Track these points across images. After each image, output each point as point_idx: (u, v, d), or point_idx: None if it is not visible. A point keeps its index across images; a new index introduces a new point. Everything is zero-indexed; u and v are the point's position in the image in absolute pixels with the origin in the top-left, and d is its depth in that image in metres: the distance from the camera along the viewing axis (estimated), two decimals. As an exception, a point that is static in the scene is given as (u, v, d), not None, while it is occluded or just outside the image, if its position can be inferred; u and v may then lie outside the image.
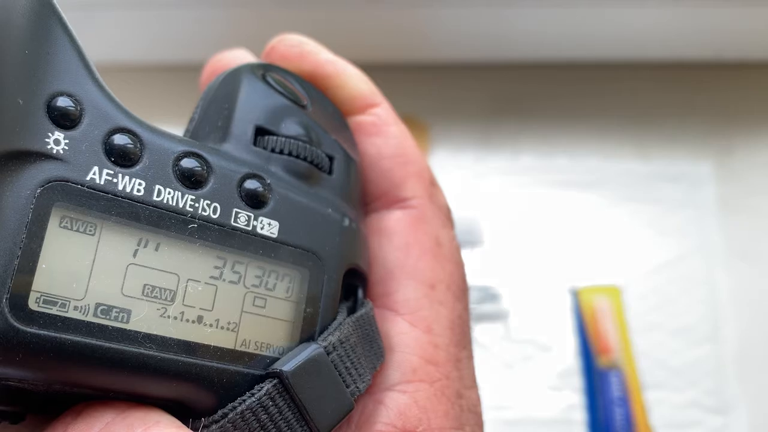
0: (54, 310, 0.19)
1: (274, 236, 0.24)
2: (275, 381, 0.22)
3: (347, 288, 0.27)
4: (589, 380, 0.71)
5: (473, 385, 0.28)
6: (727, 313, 0.73)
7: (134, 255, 0.21)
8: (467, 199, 0.78)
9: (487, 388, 0.69)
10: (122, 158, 0.21)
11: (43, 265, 0.19)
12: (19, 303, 0.19)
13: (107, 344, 0.20)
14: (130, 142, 0.21)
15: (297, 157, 0.25)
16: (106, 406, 0.21)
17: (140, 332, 0.21)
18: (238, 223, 0.23)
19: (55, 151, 0.20)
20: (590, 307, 0.73)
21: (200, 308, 0.22)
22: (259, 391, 0.22)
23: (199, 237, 0.22)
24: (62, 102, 0.20)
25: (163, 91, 0.82)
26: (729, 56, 0.82)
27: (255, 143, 0.25)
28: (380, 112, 0.30)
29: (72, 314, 0.20)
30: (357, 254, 0.27)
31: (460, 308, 0.29)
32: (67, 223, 0.20)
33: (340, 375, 0.24)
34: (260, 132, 0.26)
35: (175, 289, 0.22)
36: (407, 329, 0.27)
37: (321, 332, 0.25)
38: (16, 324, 0.19)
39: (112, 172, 0.21)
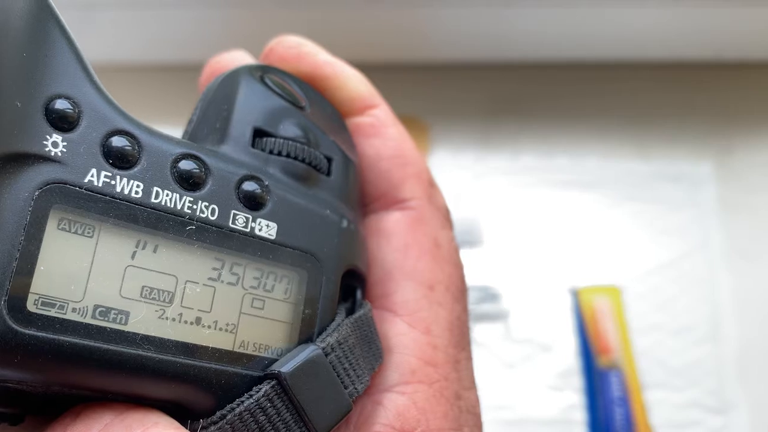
0: (52, 312, 0.20)
1: (273, 238, 0.24)
2: (273, 382, 0.23)
3: (346, 289, 0.27)
4: (590, 380, 0.71)
5: (472, 386, 0.28)
6: (728, 313, 0.73)
7: (132, 257, 0.21)
8: (467, 199, 0.78)
9: (487, 388, 0.69)
10: (120, 160, 0.21)
11: (41, 267, 0.19)
12: (17, 305, 0.19)
13: (105, 346, 0.20)
14: (128, 144, 0.22)
15: (295, 158, 0.25)
16: (104, 407, 0.21)
17: (138, 334, 0.21)
18: (236, 225, 0.23)
19: (53, 154, 0.20)
20: (590, 307, 0.73)
21: (198, 310, 0.22)
22: (258, 392, 0.22)
23: (197, 239, 0.22)
24: (60, 104, 0.20)
25: (161, 92, 0.82)
26: (729, 56, 0.82)
27: (253, 145, 0.25)
28: (379, 113, 0.30)
29: (70, 316, 0.20)
30: (355, 255, 0.27)
31: (459, 309, 0.29)
32: (65, 225, 0.20)
33: (338, 376, 0.24)
34: (258, 134, 0.26)
35: (173, 290, 0.22)
36: (406, 330, 0.27)
37: (319, 333, 0.25)
38: (14, 326, 0.19)
39: (110, 174, 0.21)
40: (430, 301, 0.28)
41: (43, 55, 0.21)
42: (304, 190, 0.25)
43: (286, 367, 0.23)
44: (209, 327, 0.22)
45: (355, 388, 0.24)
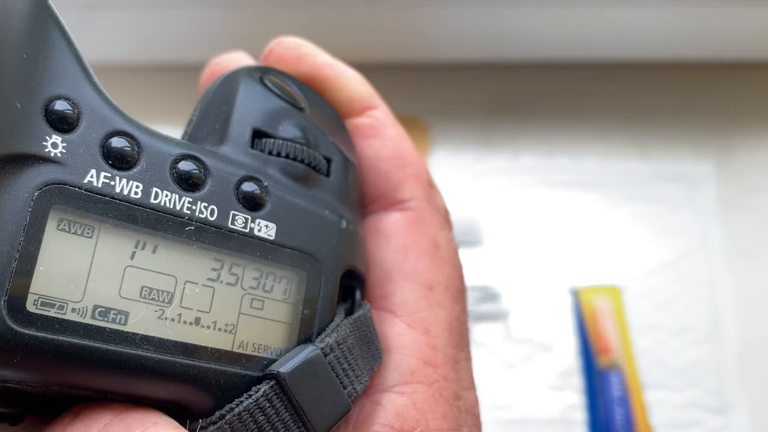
0: (52, 312, 0.20)
1: (272, 238, 0.24)
2: (272, 382, 0.23)
3: (345, 290, 0.27)
4: (590, 380, 0.71)
5: (471, 386, 0.28)
6: (728, 313, 0.73)
7: (132, 257, 0.21)
8: (467, 199, 0.78)
9: (488, 388, 0.69)
10: (120, 161, 0.21)
11: (41, 268, 0.19)
12: (17, 305, 0.19)
13: (105, 346, 0.20)
14: (128, 145, 0.22)
15: (294, 159, 0.26)
16: (104, 407, 0.21)
17: (138, 334, 0.21)
18: (235, 226, 0.23)
19: (52, 155, 0.20)
20: (590, 307, 0.73)
21: (198, 310, 0.22)
22: (257, 392, 0.22)
23: (196, 239, 0.22)
24: (60, 105, 0.21)
25: (161, 92, 0.82)
26: (729, 56, 0.82)
27: (252, 146, 0.25)
28: (378, 114, 0.30)
29: (70, 316, 0.20)
30: (354, 256, 0.27)
31: (458, 310, 0.29)
32: (64, 225, 0.20)
33: (337, 376, 0.24)
34: (258, 134, 0.26)
35: (172, 291, 0.22)
36: (405, 331, 0.27)
37: (318, 334, 0.25)
38: (14, 326, 0.19)
39: (109, 174, 0.21)
40: (429, 302, 0.28)
41: (42, 56, 0.21)
42: (304, 190, 0.25)
43: (285, 367, 0.23)
44: (208, 327, 0.22)
45: (354, 389, 0.24)
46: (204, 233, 0.23)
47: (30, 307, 0.19)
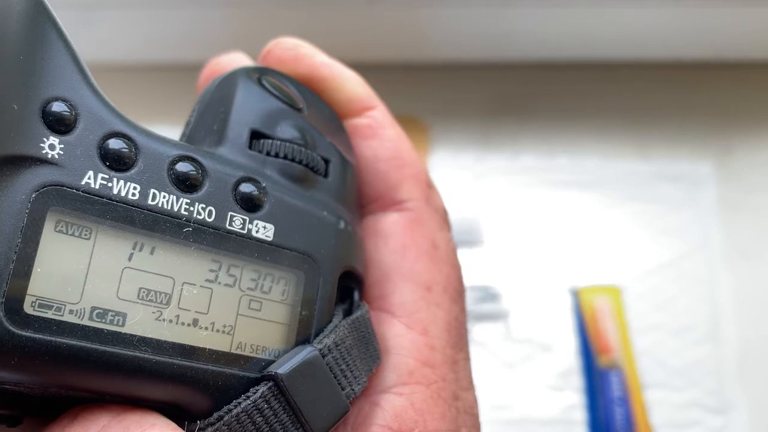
0: (49, 314, 0.20)
1: (270, 239, 0.24)
2: (270, 383, 0.23)
3: (343, 290, 0.27)
4: (590, 380, 0.71)
5: (470, 386, 0.28)
6: (728, 313, 0.73)
7: (129, 259, 0.21)
8: (467, 199, 0.78)
9: (488, 388, 0.70)
10: (117, 162, 0.21)
11: (38, 269, 0.19)
12: (14, 307, 0.19)
13: (103, 348, 0.20)
14: (125, 146, 0.22)
15: (292, 160, 0.25)
16: (102, 409, 0.21)
17: (135, 335, 0.21)
18: (233, 227, 0.23)
19: (50, 156, 0.20)
20: (590, 306, 0.73)
21: (196, 311, 0.22)
22: (255, 393, 0.22)
23: (194, 240, 0.22)
24: (57, 107, 0.21)
25: (160, 92, 0.82)
26: (729, 56, 0.82)
27: (250, 147, 0.25)
28: (376, 114, 0.30)
29: (67, 318, 0.20)
30: (353, 257, 0.27)
31: (457, 310, 0.29)
32: (62, 227, 0.20)
33: (335, 377, 0.24)
34: (255, 135, 0.26)
35: (170, 292, 0.22)
36: (403, 331, 0.27)
37: (316, 335, 0.25)
38: (11, 328, 0.19)
39: (107, 176, 0.21)
40: (427, 303, 0.28)
41: (39, 58, 0.21)
42: (302, 191, 0.25)
43: (283, 368, 0.23)
44: (206, 328, 0.22)
45: (353, 390, 0.24)
46: (202, 234, 0.22)
47: (27, 308, 0.19)
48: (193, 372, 0.22)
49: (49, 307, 0.20)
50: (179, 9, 0.74)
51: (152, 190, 0.22)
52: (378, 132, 0.30)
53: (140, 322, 0.21)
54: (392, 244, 0.28)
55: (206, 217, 0.23)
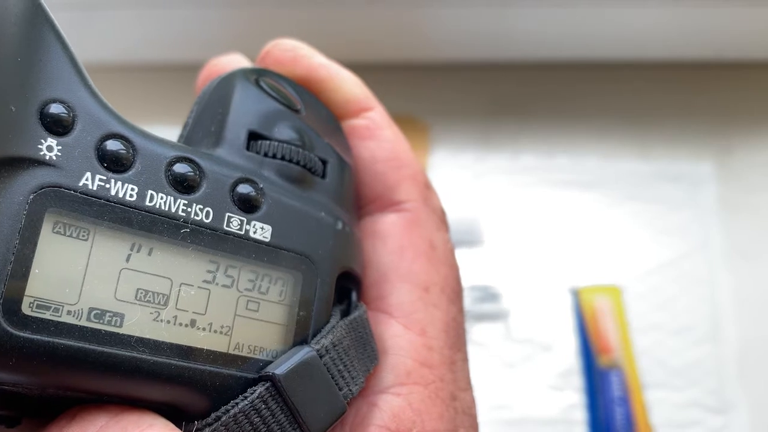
0: (47, 315, 0.20)
1: (267, 240, 0.24)
2: (268, 384, 0.23)
3: (341, 291, 0.27)
4: (590, 380, 0.71)
5: (468, 387, 0.28)
6: (728, 313, 0.73)
7: (127, 260, 0.21)
8: (467, 199, 0.78)
9: (488, 388, 0.70)
10: (115, 164, 0.21)
11: (36, 270, 0.20)
12: (12, 308, 0.19)
13: (100, 348, 0.20)
14: (123, 147, 0.22)
15: (290, 161, 0.26)
16: (100, 409, 0.21)
17: (133, 336, 0.21)
18: (230, 228, 0.23)
19: (48, 158, 0.20)
20: (591, 306, 0.73)
21: (193, 312, 0.22)
22: (252, 394, 0.22)
23: (191, 241, 0.22)
24: (55, 109, 0.21)
25: (159, 92, 0.82)
26: (729, 56, 0.82)
27: (248, 148, 0.25)
28: (374, 115, 0.30)
29: (65, 319, 0.20)
30: (350, 257, 0.27)
31: (455, 311, 0.29)
32: (60, 228, 0.20)
33: (332, 378, 0.24)
34: (253, 136, 0.26)
35: (168, 293, 0.22)
36: (401, 332, 0.27)
37: (314, 335, 0.25)
38: (9, 329, 0.19)
39: (104, 177, 0.21)
40: (425, 303, 0.28)
41: (37, 60, 0.21)
42: (299, 192, 0.25)
43: (280, 369, 0.23)
44: (204, 329, 0.22)
45: (350, 390, 0.25)
46: (199, 235, 0.23)
47: (25, 309, 0.19)
48: (191, 372, 0.22)
49: (47, 308, 0.20)
50: (177, 9, 0.74)
51: (150, 192, 0.22)
52: (376, 133, 0.30)
53: (138, 323, 0.21)
54: (390, 244, 0.28)
55: (204, 218, 0.23)
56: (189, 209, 0.22)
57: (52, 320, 0.20)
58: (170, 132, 0.25)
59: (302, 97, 0.28)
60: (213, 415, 0.22)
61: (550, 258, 0.76)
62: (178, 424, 0.22)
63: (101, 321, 0.21)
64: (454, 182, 0.79)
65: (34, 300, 0.19)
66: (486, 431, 0.29)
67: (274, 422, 0.22)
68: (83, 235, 0.21)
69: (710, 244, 0.76)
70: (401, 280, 0.28)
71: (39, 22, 0.21)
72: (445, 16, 0.76)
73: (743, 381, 0.71)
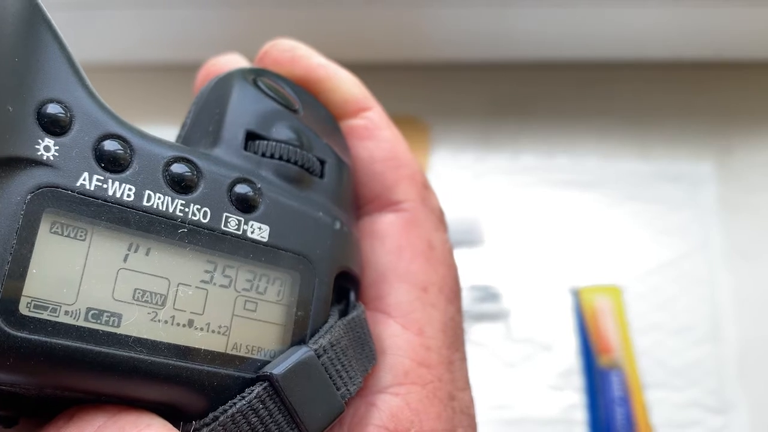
0: (45, 315, 0.20)
1: (265, 240, 0.24)
2: (265, 384, 0.23)
3: (339, 291, 0.27)
4: (590, 380, 0.71)
5: (466, 386, 0.28)
6: (728, 313, 0.73)
7: (125, 260, 0.21)
8: (468, 199, 0.78)
9: (488, 388, 0.70)
10: (112, 164, 0.21)
11: (33, 270, 0.20)
12: (9, 308, 0.19)
13: (98, 348, 0.20)
14: (120, 147, 0.22)
15: (288, 161, 0.26)
16: (97, 409, 0.21)
17: (131, 336, 0.21)
18: (228, 228, 0.23)
19: (45, 158, 0.20)
20: (591, 306, 0.73)
21: (191, 312, 0.22)
22: (250, 393, 0.22)
23: (189, 241, 0.22)
24: (52, 109, 0.21)
25: (158, 91, 0.82)
26: (729, 56, 0.82)
27: (246, 148, 0.25)
28: (372, 115, 0.30)
29: (63, 319, 0.20)
30: (348, 257, 0.27)
31: (453, 311, 0.29)
32: (57, 228, 0.20)
33: (330, 378, 0.24)
34: (251, 137, 0.26)
35: (165, 293, 0.22)
36: (399, 332, 0.27)
37: (312, 335, 0.25)
38: (6, 329, 0.19)
39: (102, 177, 0.21)
40: (423, 303, 0.28)
41: (35, 60, 0.21)
42: (297, 192, 0.25)
43: (278, 368, 0.23)
44: (202, 329, 0.22)
45: (348, 390, 0.25)
46: (197, 235, 0.23)
47: (23, 309, 0.19)
48: (189, 372, 0.22)
49: (45, 308, 0.20)
50: (176, 9, 0.74)
51: (147, 192, 0.22)
52: (374, 133, 0.30)
53: (136, 323, 0.21)
54: (388, 244, 0.28)
55: (201, 218, 0.23)
56: (186, 209, 0.22)
57: (49, 320, 0.20)
58: (168, 132, 0.25)
59: (300, 97, 0.28)
60: (211, 415, 0.22)
61: (550, 258, 0.76)
62: (175, 424, 0.22)
63: (99, 321, 0.21)
64: (454, 182, 0.79)
65: (32, 300, 0.19)
66: (486, 431, 0.29)
67: (271, 422, 0.22)
68: (81, 235, 0.21)
69: (710, 244, 0.76)
70: (399, 280, 0.28)
71: (36, 22, 0.21)
72: (445, 16, 0.76)
73: (743, 381, 0.71)
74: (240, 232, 0.23)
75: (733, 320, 0.73)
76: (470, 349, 0.30)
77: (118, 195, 0.21)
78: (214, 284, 0.23)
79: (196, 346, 0.22)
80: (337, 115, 0.30)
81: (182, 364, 0.22)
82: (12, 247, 0.19)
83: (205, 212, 0.23)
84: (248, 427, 0.22)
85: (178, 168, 0.23)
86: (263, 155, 0.25)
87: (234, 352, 0.23)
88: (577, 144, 0.81)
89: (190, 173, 0.23)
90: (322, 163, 0.27)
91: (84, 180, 0.21)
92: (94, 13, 0.74)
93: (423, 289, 0.28)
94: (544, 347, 0.72)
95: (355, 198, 0.29)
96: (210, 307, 0.23)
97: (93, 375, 0.20)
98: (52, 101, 0.21)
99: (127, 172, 0.22)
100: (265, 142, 0.26)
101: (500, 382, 0.71)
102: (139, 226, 0.21)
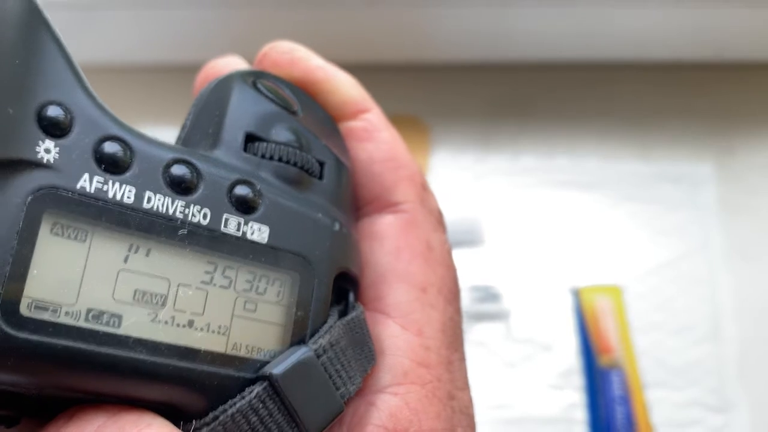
0: (45, 316, 0.20)
1: (265, 241, 0.24)
2: (265, 384, 0.23)
3: (339, 292, 0.27)
4: (590, 379, 0.71)
5: (465, 386, 0.29)
6: (728, 313, 0.73)
7: (125, 261, 0.21)
8: (468, 200, 0.78)
9: (488, 388, 0.70)
10: (112, 166, 0.21)
11: (34, 272, 0.20)
12: (10, 309, 0.19)
13: (98, 349, 0.20)
14: (120, 149, 0.22)
15: (287, 162, 0.26)
16: (98, 409, 0.21)
17: (131, 337, 0.21)
18: (228, 229, 0.23)
19: (45, 160, 0.20)
20: (591, 306, 0.73)
21: (191, 313, 0.22)
22: (250, 393, 0.22)
23: (189, 243, 0.22)
24: (52, 111, 0.21)
25: (158, 92, 0.82)
26: (729, 56, 0.82)
27: (245, 149, 0.25)
28: (371, 117, 0.30)
29: (63, 320, 0.20)
30: (348, 258, 0.27)
31: (452, 311, 0.29)
32: (58, 230, 0.20)
33: (330, 378, 0.24)
34: (250, 138, 0.26)
35: (165, 294, 0.22)
36: (398, 332, 0.27)
37: (312, 335, 0.25)
38: (7, 330, 0.19)
39: (102, 179, 0.21)
40: (422, 303, 0.28)
41: (34, 62, 0.21)
42: (296, 193, 0.26)
43: (277, 368, 0.23)
44: (202, 330, 0.23)
45: (347, 390, 0.25)
46: (197, 236, 0.23)
47: (23, 310, 0.19)
48: (189, 373, 0.22)
49: (45, 309, 0.20)
50: (176, 10, 0.74)
51: (147, 193, 0.22)
52: (373, 134, 0.30)
53: (136, 324, 0.21)
54: (387, 245, 0.28)
55: (201, 220, 0.23)
56: (187, 211, 0.23)
57: (50, 321, 0.20)
58: (168, 133, 0.26)
59: (299, 99, 0.28)
60: (211, 415, 0.22)
61: (550, 258, 0.76)
62: (176, 424, 0.22)
63: (99, 322, 0.21)
64: (454, 183, 0.79)
65: (33, 301, 0.20)
66: (487, 430, 0.29)
67: (271, 422, 0.23)
68: (81, 237, 0.21)
69: (710, 244, 0.76)
70: (398, 281, 0.28)
71: (36, 25, 0.21)
72: (445, 16, 0.76)
73: (743, 380, 0.71)
74: (240, 233, 0.24)
75: (733, 320, 0.73)
76: (470, 349, 0.30)
77: (118, 196, 0.21)
78: (214, 285, 0.23)
79: (196, 347, 0.22)
80: (336, 116, 0.30)
81: (182, 364, 0.22)
82: (13, 248, 0.19)
83: (205, 213, 0.23)
84: (248, 427, 0.22)
85: (178, 170, 0.23)
86: (263, 157, 0.25)
87: (234, 353, 0.23)
88: (578, 145, 0.81)
89: (190, 175, 0.23)
90: (322, 164, 0.27)
91: (84, 181, 0.21)
92: (94, 14, 0.74)
93: (422, 290, 0.28)
94: (544, 347, 0.73)
95: (354, 199, 0.30)
96: (210, 307, 0.23)
97: (93, 375, 0.20)
98: (52, 103, 0.21)
99: (128, 174, 0.22)
100: (265, 143, 0.26)
101: (500, 382, 0.71)
102: (140, 227, 0.22)
